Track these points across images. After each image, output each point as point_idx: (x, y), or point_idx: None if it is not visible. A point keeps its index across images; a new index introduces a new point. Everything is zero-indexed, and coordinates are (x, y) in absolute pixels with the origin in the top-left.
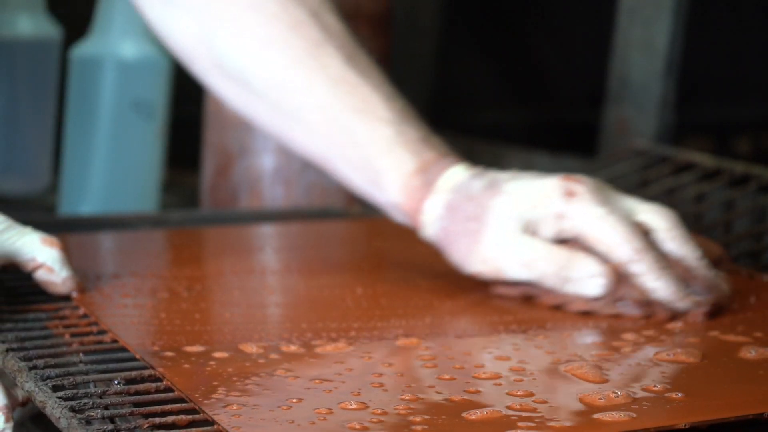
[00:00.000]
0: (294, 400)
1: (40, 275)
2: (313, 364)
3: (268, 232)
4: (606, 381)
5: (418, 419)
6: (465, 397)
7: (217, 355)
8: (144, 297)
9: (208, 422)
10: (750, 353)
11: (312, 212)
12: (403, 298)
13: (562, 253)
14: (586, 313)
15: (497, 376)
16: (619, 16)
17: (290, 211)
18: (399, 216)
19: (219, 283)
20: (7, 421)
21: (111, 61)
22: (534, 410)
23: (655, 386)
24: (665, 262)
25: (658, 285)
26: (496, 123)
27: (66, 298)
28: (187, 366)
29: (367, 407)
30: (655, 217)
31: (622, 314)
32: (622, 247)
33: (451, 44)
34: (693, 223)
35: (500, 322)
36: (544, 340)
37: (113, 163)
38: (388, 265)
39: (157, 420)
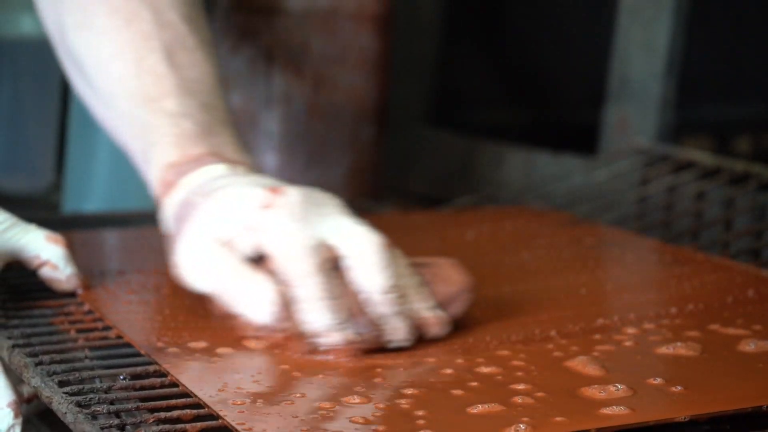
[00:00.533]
0: (297, 395)
1: (45, 272)
2: (316, 360)
3: None
4: (607, 375)
5: (420, 413)
6: (467, 392)
7: (221, 350)
8: (148, 293)
9: (213, 417)
10: (749, 346)
11: None
12: None
13: (239, 269)
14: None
15: (499, 371)
16: (619, 17)
17: None
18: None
19: None
20: (16, 416)
21: None
22: (535, 404)
23: (655, 380)
24: (336, 291)
25: (312, 317)
26: (498, 122)
27: (71, 294)
28: (191, 361)
29: (370, 401)
30: (351, 241)
31: (282, 340)
32: (287, 267)
33: (452, 44)
34: (693, 221)
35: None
36: None
37: (116, 162)
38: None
39: (163, 415)
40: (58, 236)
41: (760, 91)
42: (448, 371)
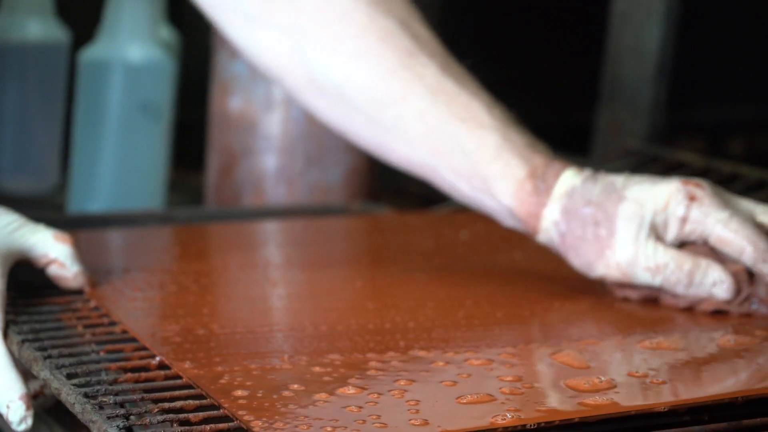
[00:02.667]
0: (295, 386)
1: (53, 270)
2: (313, 353)
3: (271, 228)
4: (591, 367)
5: (411, 402)
6: (457, 383)
7: (225, 344)
8: (153, 290)
9: (215, 407)
10: (729, 341)
11: (313, 209)
12: (401, 291)
13: (688, 259)
14: (717, 313)
15: (489, 362)
16: (611, 21)
17: (292, 208)
18: (510, 221)
19: (225, 277)
20: (27, 408)
21: (118, 64)
22: (521, 395)
23: (637, 372)
24: None
25: None
26: None
27: (78, 291)
28: (194, 354)
29: (364, 391)
30: None
31: (753, 313)
32: (749, 249)
33: (447, 48)
34: None
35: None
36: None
37: (121, 163)
38: (387, 259)
39: (166, 405)
40: (65, 235)
41: (752, 92)
42: (440, 363)
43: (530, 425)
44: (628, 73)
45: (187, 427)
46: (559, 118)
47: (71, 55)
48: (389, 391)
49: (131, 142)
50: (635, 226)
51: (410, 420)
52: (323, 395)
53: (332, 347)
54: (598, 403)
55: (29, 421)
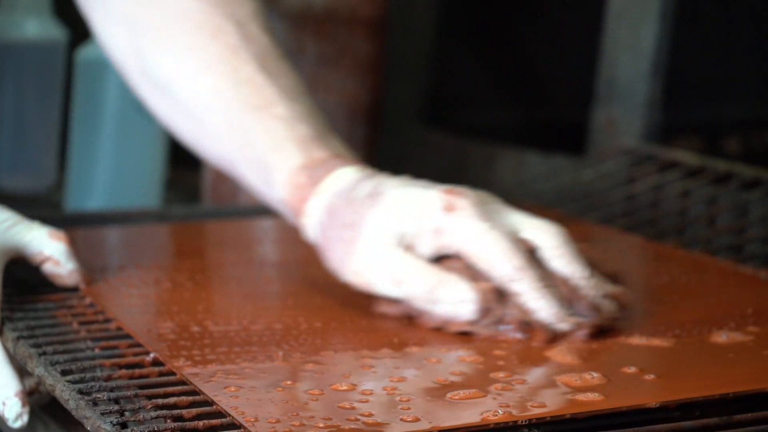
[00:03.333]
0: (288, 383)
1: (48, 268)
2: (306, 350)
3: (266, 225)
4: (583, 364)
5: (404, 398)
6: (449, 379)
7: (216, 340)
8: (148, 287)
9: (208, 403)
10: (721, 337)
11: None
12: None
13: (434, 273)
14: (464, 334)
15: (481, 359)
16: (607, 19)
17: None
18: (289, 216)
19: (220, 274)
20: (23, 405)
21: None
22: (513, 391)
23: (629, 368)
24: (548, 280)
25: (539, 305)
26: (489, 123)
27: (73, 288)
28: (188, 351)
29: (356, 387)
30: (542, 233)
31: (500, 336)
32: (502, 264)
33: (445, 46)
34: (677, 219)
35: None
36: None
37: (118, 162)
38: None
39: (160, 401)
40: (60, 233)
41: (748, 91)
42: (433, 360)
43: (521, 421)
44: (624, 71)
45: (180, 423)
46: (555, 116)
47: (69, 54)
48: (382, 387)
49: (128, 141)
50: (381, 233)
51: (402, 417)
52: (316, 391)
53: (326, 344)
54: (589, 399)
55: (25, 418)
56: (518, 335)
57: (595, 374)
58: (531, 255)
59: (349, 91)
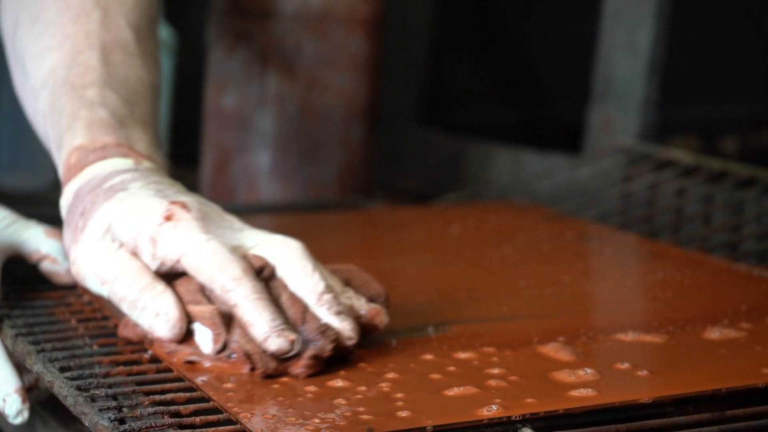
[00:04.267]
0: (284, 379)
1: (45, 266)
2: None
3: (264, 222)
4: (577, 360)
5: (399, 395)
6: (444, 376)
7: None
8: None
9: (205, 399)
10: (714, 334)
11: (307, 205)
12: (392, 284)
13: (142, 278)
14: (191, 364)
15: (476, 355)
16: (603, 19)
17: (286, 204)
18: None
19: None
20: (23, 402)
21: None
22: (507, 387)
23: (622, 364)
24: (266, 294)
25: (253, 317)
26: (486, 122)
27: (71, 286)
28: (184, 348)
29: (352, 383)
30: (276, 248)
31: (228, 365)
32: (216, 275)
33: (442, 46)
34: (673, 216)
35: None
36: None
37: None
38: (379, 252)
39: (158, 397)
40: (57, 231)
41: (744, 91)
42: (428, 357)
43: (515, 416)
44: (620, 71)
45: (177, 419)
46: (552, 115)
47: None
48: (377, 383)
49: None
50: (102, 229)
51: (397, 412)
52: (312, 387)
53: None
54: (582, 395)
55: (26, 414)
56: (245, 365)
57: (589, 370)
58: (252, 269)
59: (347, 91)
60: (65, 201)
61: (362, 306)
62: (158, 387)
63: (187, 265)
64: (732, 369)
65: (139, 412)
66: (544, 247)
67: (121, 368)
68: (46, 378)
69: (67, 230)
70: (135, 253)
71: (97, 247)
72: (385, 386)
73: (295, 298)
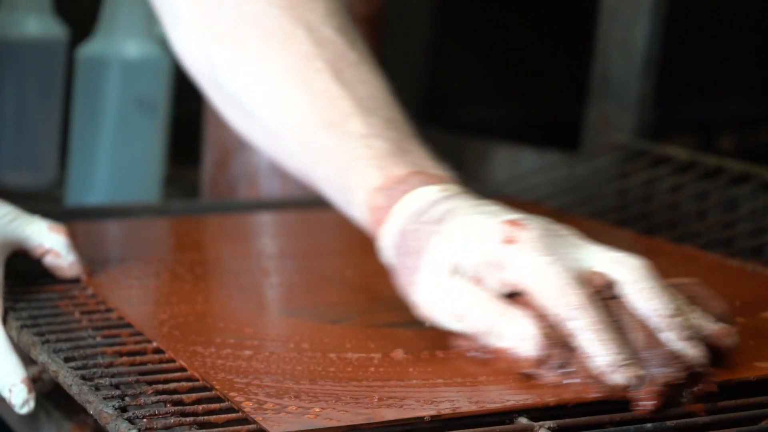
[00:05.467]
0: (286, 369)
1: (48, 260)
2: (303, 338)
3: (264, 219)
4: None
5: (397, 388)
6: (440, 371)
7: (217, 329)
8: (148, 279)
9: (207, 388)
10: None
11: (306, 201)
12: (388, 281)
13: (495, 306)
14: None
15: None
16: (600, 17)
17: (286, 201)
18: (371, 236)
19: (218, 267)
20: (29, 392)
21: (115, 60)
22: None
23: None
24: (610, 323)
25: (593, 349)
26: (485, 120)
27: (75, 280)
28: (186, 339)
29: (349, 375)
30: (619, 267)
31: (566, 384)
32: (557, 301)
33: (441, 45)
34: (669, 213)
35: None
36: None
37: (118, 158)
38: (377, 250)
39: (161, 387)
40: (60, 226)
41: (740, 89)
42: (425, 353)
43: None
44: (617, 68)
45: (180, 407)
46: (549, 113)
47: (69, 52)
48: (372, 377)
49: (128, 137)
50: (440, 264)
51: (389, 404)
52: (311, 378)
53: (321, 333)
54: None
55: (31, 404)
56: (582, 386)
57: None
58: (597, 293)
59: None
60: (389, 242)
61: (709, 327)
62: (161, 377)
63: (529, 288)
64: (725, 362)
65: (142, 401)
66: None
67: (124, 359)
68: (51, 368)
69: (399, 272)
70: (477, 280)
71: (442, 284)
72: (379, 379)
73: (638, 321)
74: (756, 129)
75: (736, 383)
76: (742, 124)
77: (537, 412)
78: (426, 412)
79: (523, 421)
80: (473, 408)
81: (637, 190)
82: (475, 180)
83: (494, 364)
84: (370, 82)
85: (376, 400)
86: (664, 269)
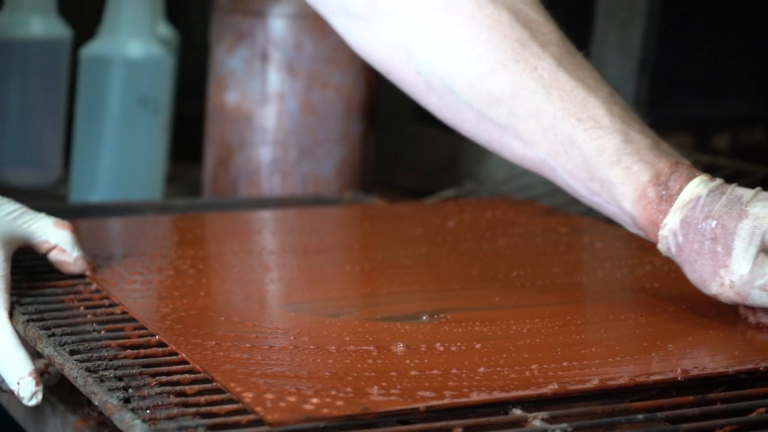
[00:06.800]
0: (286, 361)
1: (54, 256)
2: (303, 331)
3: (265, 216)
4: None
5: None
6: (436, 366)
7: (218, 323)
8: (151, 274)
9: (209, 380)
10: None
11: (306, 199)
12: (389, 275)
13: None
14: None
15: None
16: (596, 18)
17: (286, 198)
18: (632, 228)
19: (220, 262)
20: (37, 384)
21: (118, 60)
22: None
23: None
24: None
25: None
26: None
27: (80, 275)
28: (189, 332)
29: (347, 367)
30: None
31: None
32: None
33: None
34: None
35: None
36: None
37: (121, 156)
38: (377, 245)
39: (164, 378)
40: (65, 222)
41: (736, 89)
42: (423, 348)
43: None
44: (613, 68)
45: (183, 398)
46: None
47: (73, 52)
48: (370, 369)
49: (131, 136)
50: (753, 245)
51: (386, 394)
52: (310, 370)
53: (321, 326)
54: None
55: (39, 396)
56: None
57: None
58: None
59: (346, 87)
60: (670, 232)
61: None
62: (164, 369)
63: None
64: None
65: (146, 393)
66: (537, 240)
67: (128, 351)
68: (57, 360)
69: (697, 259)
70: None
71: (755, 263)
72: (376, 372)
73: None
74: (751, 128)
75: (728, 376)
76: (738, 123)
77: (531, 404)
78: (422, 402)
79: (517, 412)
80: (469, 399)
81: None
82: (472, 178)
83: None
84: (585, 66)
85: (374, 390)
86: (657, 265)
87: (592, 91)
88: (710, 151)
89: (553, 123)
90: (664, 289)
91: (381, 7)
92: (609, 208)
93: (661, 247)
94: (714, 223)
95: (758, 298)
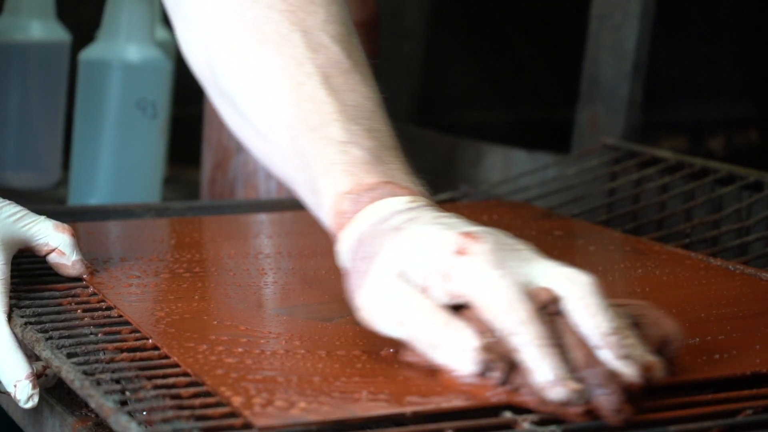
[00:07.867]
0: (276, 365)
1: (53, 258)
2: (296, 335)
3: (262, 220)
4: None
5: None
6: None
7: (211, 326)
8: (148, 277)
9: (204, 383)
10: (686, 325)
11: (302, 203)
12: None
13: (439, 316)
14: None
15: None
16: (590, 22)
17: (283, 202)
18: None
19: (216, 266)
20: (34, 387)
21: (117, 63)
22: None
23: None
24: (555, 339)
25: (535, 364)
26: (478, 122)
27: (77, 278)
28: (182, 336)
29: (340, 370)
30: (566, 282)
31: (524, 404)
32: (503, 316)
33: (435, 48)
34: (657, 212)
35: None
36: None
37: (119, 159)
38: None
39: (159, 381)
40: (65, 225)
41: (729, 92)
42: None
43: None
44: (607, 72)
45: (178, 401)
46: (541, 115)
47: (72, 55)
48: (359, 373)
49: (129, 139)
50: (390, 269)
51: (375, 399)
52: (300, 374)
53: (312, 330)
54: None
55: (36, 399)
56: (535, 404)
57: None
58: (542, 309)
59: None
60: (346, 247)
61: (646, 355)
62: (160, 372)
63: (476, 301)
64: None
65: (142, 395)
66: (532, 243)
67: (124, 355)
68: (54, 363)
69: (350, 276)
70: (425, 289)
71: (388, 288)
72: (371, 373)
73: (579, 338)
74: (744, 131)
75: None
76: (731, 126)
77: (521, 407)
78: (411, 407)
79: (507, 415)
80: (457, 403)
81: (625, 191)
82: (469, 180)
83: (437, 375)
84: (359, 90)
85: (362, 395)
86: (649, 268)
87: (345, 107)
88: (704, 154)
89: (296, 137)
90: (655, 293)
91: (197, 13)
92: (323, 223)
93: (339, 260)
94: (372, 241)
95: (386, 328)
